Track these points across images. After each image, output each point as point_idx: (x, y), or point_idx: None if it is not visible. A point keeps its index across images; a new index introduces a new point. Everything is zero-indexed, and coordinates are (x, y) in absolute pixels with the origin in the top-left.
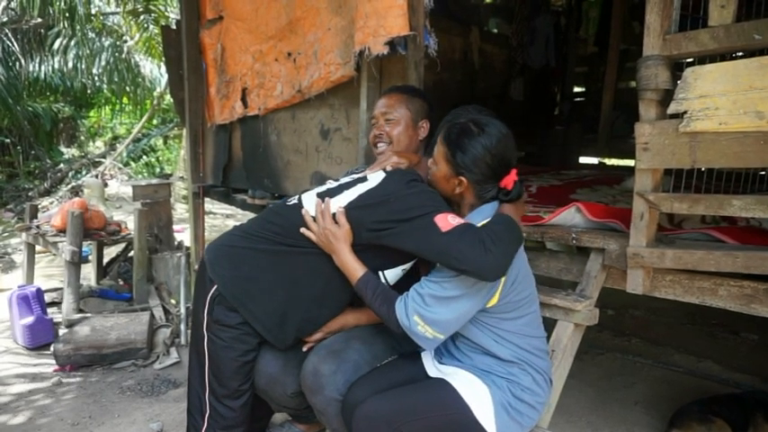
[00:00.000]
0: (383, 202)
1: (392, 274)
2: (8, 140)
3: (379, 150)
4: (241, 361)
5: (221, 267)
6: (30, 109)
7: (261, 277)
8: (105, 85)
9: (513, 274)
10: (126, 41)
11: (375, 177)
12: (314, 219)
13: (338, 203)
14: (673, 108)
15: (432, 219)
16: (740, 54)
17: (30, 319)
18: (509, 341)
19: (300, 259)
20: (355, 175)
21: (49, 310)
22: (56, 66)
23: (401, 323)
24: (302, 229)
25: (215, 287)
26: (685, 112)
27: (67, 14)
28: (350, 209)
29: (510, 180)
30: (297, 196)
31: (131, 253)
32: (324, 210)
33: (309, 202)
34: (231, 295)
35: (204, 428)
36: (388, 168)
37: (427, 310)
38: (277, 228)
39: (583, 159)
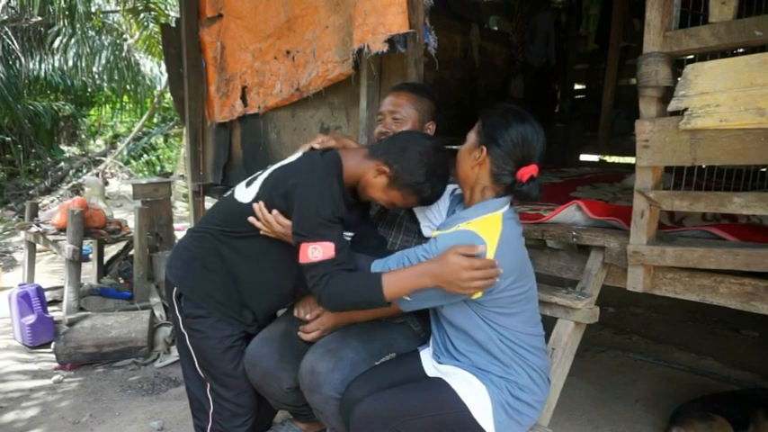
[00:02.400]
0: (287, 189)
1: None
2: (9, 139)
3: None
4: (222, 347)
5: (176, 268)
6: (30, 107)
7: (209, 269)
8: (105, 84)
9: (509, 271)
10: (126, 40)
11: (293, 157)
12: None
13: (257, 184)
14: (673, 105)
15: (300, 243)
16: (741, 51)
17: (31, 318)
18: (506, 337)
19: (239, 245)
20: None
21: (50, 309)
22: (56, 64)
23: (375, 269)
24: (261, 233)
25: (176, 288)
26: (686, 110)
27: (67, 13)
28: (265, 189)
29: (526, 172)
30: (233, 188)
31: (132, 251)
32: (265, 215)
33: (240, 192)
34: (188, 291)
35: (210, 426)
36: (316, 145)
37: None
38: (216, 220)
39: (583, 157)
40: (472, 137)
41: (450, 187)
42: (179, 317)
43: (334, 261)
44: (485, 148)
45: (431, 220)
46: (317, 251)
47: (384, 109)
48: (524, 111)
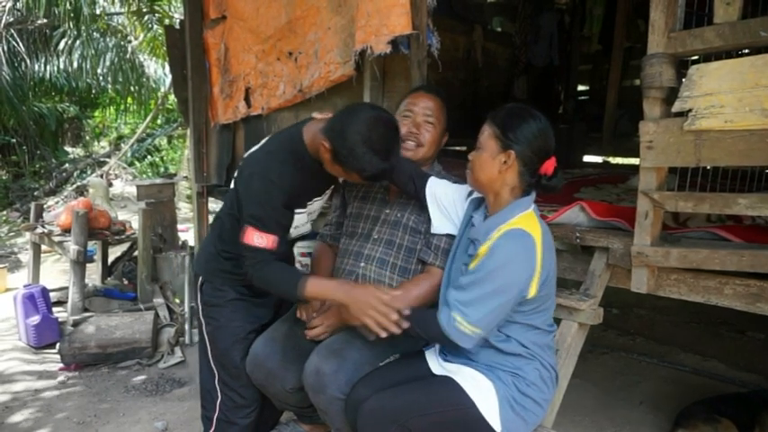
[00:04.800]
0: (245, 177)
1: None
2: (14, 140)
3: (407, 147)
4: (234, 337)
5: (199, 261)
6: (35, 109)
7: (223, 250)
8: (110, 85)
9: (547, 266)
10: (130, 41)
11: (264, 140)
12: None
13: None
14: (677, 106)
15: (245, 227)
16: (746, 51)
17: (36, 319)
18: (527, 337)
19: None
20: None
21: (55, 310)
22: (61, 66)
23: (441, 322)
24: None
25: (201, 277)
26: (690, 110)
27: (72, 15)
28: (238, 174)
29: (550, 165)
30: None
31: (136, 252)
32: None
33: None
34: (210, 275)
35: (216, 415)
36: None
37: (465, 307)
38: (222, 209)
39: (587, 158)
40: (491, 143)
41: (464, 189)
42: (200, 305)
43: (272, 252)
44: (512, 152)
45: (445, 221)
46: (261, 239)
47: (416, 108)
48: (528, 107)
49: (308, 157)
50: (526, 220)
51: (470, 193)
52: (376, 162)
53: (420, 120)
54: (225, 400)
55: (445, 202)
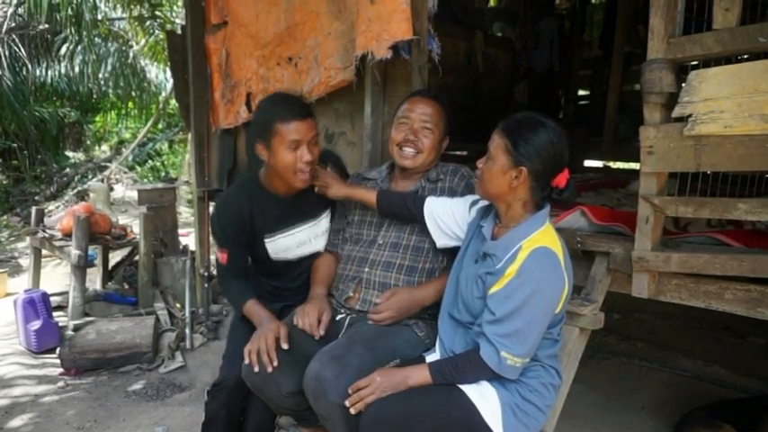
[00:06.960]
0: None
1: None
2: (15, 145)
3: (405, 154)
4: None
5: None
6: (36, 114)
7: None
8: (111, 90)
9: (570, 281)
10: (132, 46)
11: None
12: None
13: None
14: (677, 111)
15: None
16: (745, 57)
17: (36, 323)
18: (541, 344)
19: None
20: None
21: (55, 314)
22: (62, 71)
23: (490, 365)
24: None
25: None
26: (690, 116)
27: (74, 20)
28: None
29: (563, 178)
30: None
31: (137, 257)
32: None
33: None
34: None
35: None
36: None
37: (510, 342)
38: None
39: (587, 162)
40: (501, 157)
41: (464, 201)
42: None
43: (227, 267)
44: (524, 169)
45: (447, 239)
46: (219, 255)
47: (413, 114)
48: (541, 116)
49: (263, 191)
50: (546, 235)
51: (475, 201)
52: (271, 116)
53: (417, 126)
54: (221, 369)
55: (445, 218)
